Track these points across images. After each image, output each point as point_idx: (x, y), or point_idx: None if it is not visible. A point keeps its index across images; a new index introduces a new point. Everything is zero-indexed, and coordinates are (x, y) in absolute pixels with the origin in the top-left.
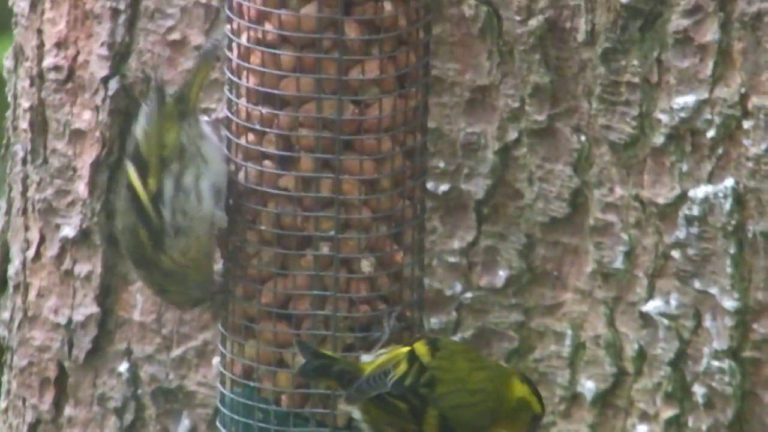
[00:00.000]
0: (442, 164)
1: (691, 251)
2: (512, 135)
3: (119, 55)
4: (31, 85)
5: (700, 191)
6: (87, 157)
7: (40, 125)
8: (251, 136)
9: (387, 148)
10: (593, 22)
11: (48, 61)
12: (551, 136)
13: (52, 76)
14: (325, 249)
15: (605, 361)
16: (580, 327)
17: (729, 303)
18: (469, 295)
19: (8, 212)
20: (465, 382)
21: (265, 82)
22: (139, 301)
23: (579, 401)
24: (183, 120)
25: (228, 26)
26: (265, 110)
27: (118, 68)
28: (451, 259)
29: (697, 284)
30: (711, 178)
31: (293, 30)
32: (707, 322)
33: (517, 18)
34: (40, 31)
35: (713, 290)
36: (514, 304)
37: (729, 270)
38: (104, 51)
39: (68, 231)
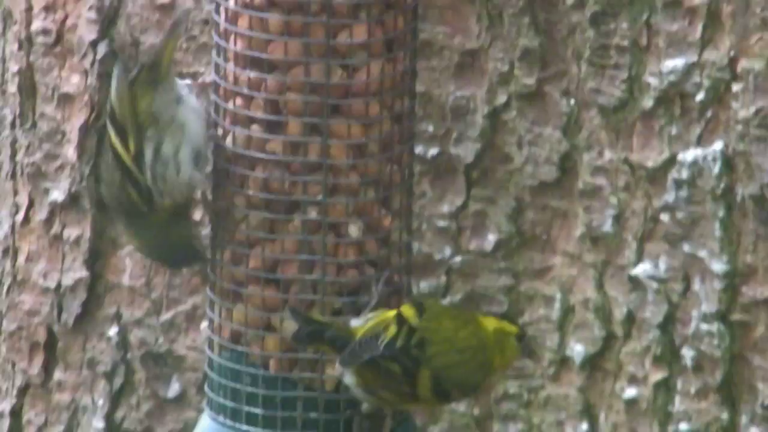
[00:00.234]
0: (431, 128)
1: (680, 214)
2: (501, 99)
3: (108, 19)
4: (20, 48)
5: (689, 154)
6: (76, 120)
7: (28, 89)
8: (239, 101)
9: (375, 113)
10: None
11: (36, 25)
12: (540, 99)
13: (40, 39)
14: (313, 213)
15: (594, 325)
16: (569, 290)
17: (718, 266)
18: (458, 259)
19: None
20: (453, 342)
21: (253, 45)
22: (128, 265)
23: (568, 364)
24: (156, 87)
25: None
26: (252, 74)
27: (106, 32)
28: (441, 223)
29: (686, 247)
30: (700, 142)
31: None
32: (696, 285)
33: None
34: None
35: (702, 253)
36: (504, 267)
37: (718, 233)
38: (93, 14)
39: (57, 195)
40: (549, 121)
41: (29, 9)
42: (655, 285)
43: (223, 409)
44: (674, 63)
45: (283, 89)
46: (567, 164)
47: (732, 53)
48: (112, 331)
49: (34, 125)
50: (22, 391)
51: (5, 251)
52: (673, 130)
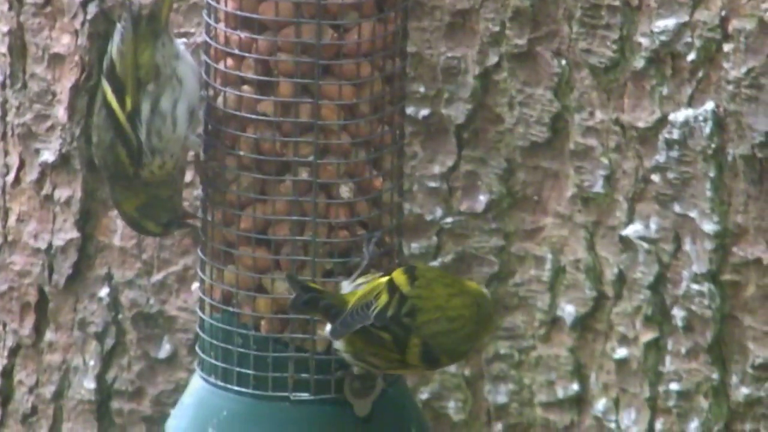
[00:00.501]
0: (422, 89)
1: (671, 175)
2: (492, 59)
3: None
4: (10, 8)
5: (680, 115)
6: (66, 81)
7: (19, 49)
8: (230, 61)
9: (366, 73)
10: None
11: None
12: (532, 60)
13: (30, 0)
14: (304, 174)
15: (585, 285)
16: (560, 251)
17: (708, 226)
18: (449, 219)
19: None
20: (444, 309)
21: (244, 6)
22: (119, 226)
23: (559, 325)
24: (156, 40)
25: None
26: (243, 35)
27: None
28: (432, 184)
29: (676, 208)
30: (691, 102)
31: None
32: (687, 245)
33: None
34: None
35: (693, 214)
36: (495, 228)
37: (709, 193)
38: None
39: (48, 156)
40: (540, 82)
41: None
42: (645, 245)
43: (215, 369)
44: (665, 23)
45: (274, 50)
46: (558, 125)
47: (723, 13)
48: (103, 291)
49: (24, 86)
50: (13, 352)
51: None
52: (664, 91)
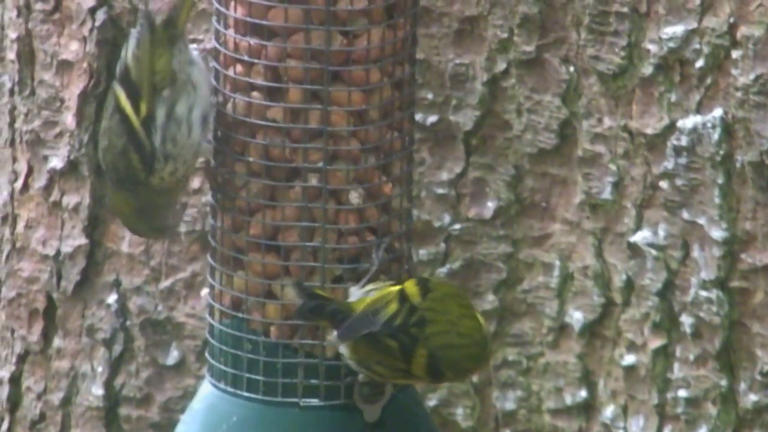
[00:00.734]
0: (430, 95)
1: (679, 181)
2: (501, 66)
3: None
4: (18, 15)
5: (688, 121)
6: (74, 88)
7: (27, 56)
8: (239, 68)
9: (375, 79)
10: None
11: None
12: (540, 66)
13: (39, 6)
14: (313, 180)
15: (593, 292)
16: (568, 258)
17: (717, 233)
18: (457, 226)
19: None
20: (455, 325)
21: (253, 12)
22: (127, 232)
23: (567, 332)
24: (173, 45)
25: None
26: (253, 41)
27: None
28: (440, 191)
29: (685, 214)
30: (699, 108)
31: None
32: (695, 252)
33: None
34: None
35: (701, 220)
36: (503, 235)
37: (717, 200)
38: None
39: (56, 162)
40: (548, 89)
41: None
42: (654, 252)
43: (224, 375)
44: (674, 29)
45: (284, 56)
46: (566, 131)
47: (732, 20)
48: (112, 298)
49: (32, 92)
50: (22, 358)
51: (4, 218)
52: (673, 97)
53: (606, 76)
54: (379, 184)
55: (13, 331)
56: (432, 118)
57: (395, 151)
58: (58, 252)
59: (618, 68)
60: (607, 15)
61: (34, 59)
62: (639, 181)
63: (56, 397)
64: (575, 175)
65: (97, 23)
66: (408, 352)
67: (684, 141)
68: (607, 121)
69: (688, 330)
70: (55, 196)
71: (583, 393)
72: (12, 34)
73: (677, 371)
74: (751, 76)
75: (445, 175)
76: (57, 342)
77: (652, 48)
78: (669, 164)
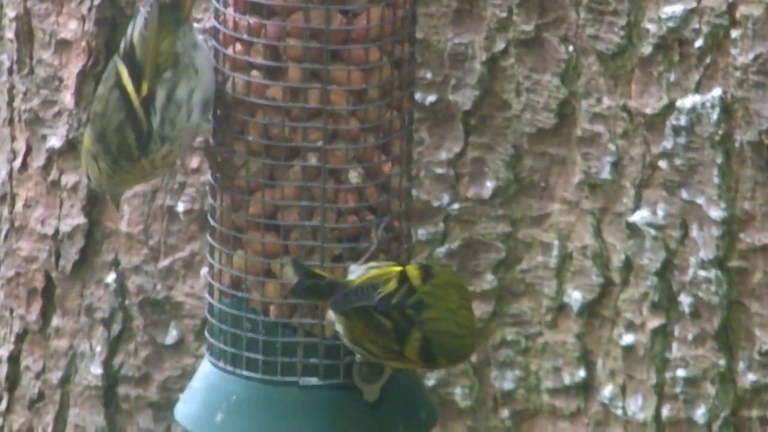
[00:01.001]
0: (429, 75)
1: (678, 161)
2: (500, 45)
3: None
4: None
5: (687, 101)
6: (73, 67)
7: (26, 35)
8: (238, 46)
9: (375, 59)
10: None
11: None
12: (539, 46)
13: None
14: (313, 160)
15: (592, 272)
16: (567, 237)
17: (716, 213)
18: (456, 206)
19: None
20: (454, 313)
21: None
22: (126, 211)
23: (566, 311)
24: (178, 28)
25: None
26: (252, 20)
27: None
28: (439, 170)
29: (684, 194)
30: (698, 88)
31: None
32: (694, 231)
33: None
34: None
35: (700, 200)
36: (501, 215)
37: (716, 180)
38: None
39: (55, 141)
40: (547, 68)
41: None
42: (652, 232)
43: (224, 354)
44: (673, 9)
45: (283, 35)
46: (565, 111)
47: None
48: (110, 277)
49: (31, 71)
50: (20, 338)
51: (3, 198)
52: (672, 77)
53: (605, 55)
54: (378, 163)
55: (11, 311)
56: (431, 98)
57: (395, 130)
58: (57, 231)
59: (617, 48)
60: None
61: (33, 38)
62: (638, 160)
63: (55, 377)
64: (574, 155)
65: (96, 2)
66: (402, 334)
67: (683, 121)
68: (606, 101)
69: (686, 310)
70: (53, 175)
71: (581, 373)
72: (11, 13)
73: (676, 351)
74: (751, 56)
75: (444, 155)
76: (56, 321)
77: (652, 27)
78: (668, 144)
